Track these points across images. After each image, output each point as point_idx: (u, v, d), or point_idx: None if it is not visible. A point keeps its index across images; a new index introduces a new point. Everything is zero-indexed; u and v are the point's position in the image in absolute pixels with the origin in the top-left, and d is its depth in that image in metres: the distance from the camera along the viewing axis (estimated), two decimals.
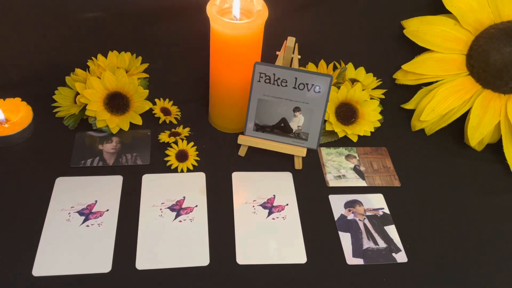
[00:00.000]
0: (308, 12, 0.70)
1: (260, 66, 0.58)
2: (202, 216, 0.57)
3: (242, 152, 0.64)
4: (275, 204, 0.59)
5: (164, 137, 0.64)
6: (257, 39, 0.60)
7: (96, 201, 0.57)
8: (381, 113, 0.69)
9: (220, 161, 0.63)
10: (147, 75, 0.69)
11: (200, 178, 0.61)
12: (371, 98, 0.69)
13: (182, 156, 0.62)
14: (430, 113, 0.67)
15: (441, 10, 0.67)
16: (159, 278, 0.50)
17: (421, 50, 0.69)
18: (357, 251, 0.54)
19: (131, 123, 0.66)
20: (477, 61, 0.65)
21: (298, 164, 0.63)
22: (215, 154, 0.64)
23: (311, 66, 0.73)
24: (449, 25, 0.67)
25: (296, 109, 0.60)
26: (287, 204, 0.59)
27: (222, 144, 0.66)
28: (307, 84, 0.58)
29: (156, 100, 0.69)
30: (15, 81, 0.69)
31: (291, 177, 0.62)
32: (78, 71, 0.66)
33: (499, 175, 0.66)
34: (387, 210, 0.59)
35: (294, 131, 0.61)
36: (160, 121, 0.67)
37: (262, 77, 0.58)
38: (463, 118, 0.67)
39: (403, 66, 0.70)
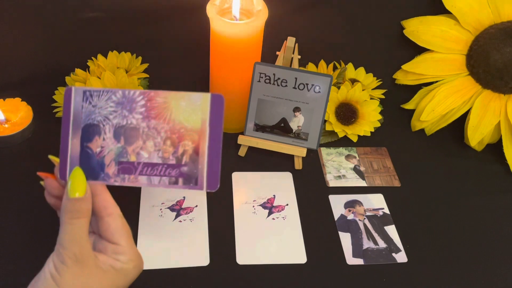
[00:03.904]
0: (308, 12, 0.70)
1: (260, 66, 0.58)
2: (202, 216, 0.57)
3: (242, 152, 0.64)
4: (275, 204, 0.59)
5: None
6: (257, 39, 0.60)
7: None
8: (381, 113, 0.69)
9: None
10: (147, 75, 0.69)
11: None
12: (371, 98, 0.69)
13: None
14: (430, 113, 0.67)
15: (441, 10, 0.67)
16: (158, 278, 0.50)
17: (421, 50, 0.69)
18: (357, 251, 0.54)
19: None
20: (477, 61, 0.65)
21: (298, 164, 0.63)
22: None
23: (311, 66, 0.73)
24: (449, 25, 0.67)
25: (296, 109, 0.60)
26: (287, 204, 0.59)
27: (222, 144, 0.66)
28: (307, 84, 0.58)
29: None
30: (15, 81, 0.69)
31: (291, 177, 0.62)
32: (78, 71, 0.66)
33: (499, 175, 0.66)
34: (387, 210, 0.59)
35: (294, 131, 0.61)
36: None
37: (262, 77, 0.58)
38: (463, 118, 0.67)
39: (403, 66, 0.70)
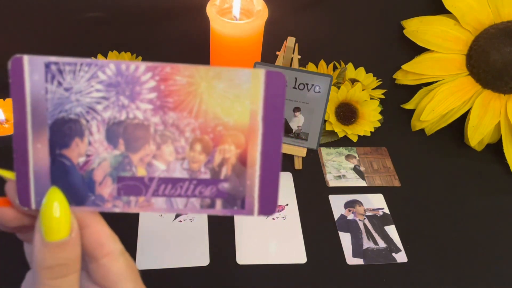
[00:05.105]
0: (308, 12, 0.70)
1: (260, 66, 0.58)
2: (202, 216, 0.57)
3: None
4: None
5: None
6: (257, 39, 0.60)
7: None
8: (381, 113, 0.69)
9: None
10: None
11: None
12: (371, 98, 0.69)
13: None
14: (430, 113, 0.67)
15: (441, 10, 0.67)
16: (159, 278, 0.50)
17: (421, 50, 0.69)
18: (357, 251, 0.54)
19: None
20: (477, 61, 0.65)
21: (298, 164, 0.63)
22: None
23: (311, 66, 0.73)
24: (449, 25, 0.67)
25: (296, 109, 0.60)
26: (287, 204, 0.59)
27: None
28: (307, 84, 0.58)
29: None
30: None
31: (291, 177, 0.62)
32: None
33: (499, 175, 0.66)
34: (387, 210, 0.59)
35: (294, 131, 0.61)
36: None
37: None
38: (463, 118, 0.67)
39: (403, 66, 0.70)
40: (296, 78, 0.58)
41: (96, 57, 0.68)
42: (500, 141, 0.66)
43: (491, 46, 0.64)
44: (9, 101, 0.66)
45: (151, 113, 0.26)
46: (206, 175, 0.27)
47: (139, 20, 0.68)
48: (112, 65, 0.25)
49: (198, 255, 0.53)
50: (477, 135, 0.65)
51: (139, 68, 0.25)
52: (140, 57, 0.70)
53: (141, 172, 0.27)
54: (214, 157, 0.27)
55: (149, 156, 0.26)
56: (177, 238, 0.54)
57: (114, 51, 0.69)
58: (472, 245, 0.56)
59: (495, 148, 0.68)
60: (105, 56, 0.68)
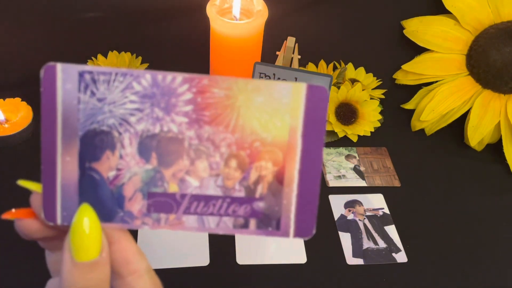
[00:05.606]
0: (308, 12, 0.70)
1: (260, 66, 0.58)
2: None
3: None
4: None
5: None
6: (257, 39, 0.60)
7: None
8: (381, 113, 0.69)
9: None
10: None
11: None
12: (371, 98, 0.69)
13: None
14: (430, 113, 0.67)
15: (441, 10, 0.67)
16: (158, 278, 0.50)
17: (421, 50, 0.69)
18: (357, 251, 0.54)
19: None
20: (477, 61, 0.65)
21: None
22: None
23: (311, 66, 0.73)
24: (449, 25, 0.67)
25: None
26: None
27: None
28: None
29: None
30: (15, 81, 0.69)
31: None
32: None
33: (499, 175, 0.66)
34: (387, 210, 0.59)
35: None
36: None
37: (262, 77, 0.58)
38: (463, 118, 0.67)
39: (403, 66, 0.70)
40: (296, 78, 0.58)
41: (96, 57, 0.68)
42: (500, 141, 0.66)
43: (491, 46, 0.64)
44: (9, 101, 0.66)
45: (186, 126, 0.25)
46: (241, 193, 0.26)
47: (139, 20, 0.68)
48: (148, 76, 0.24)
49: (198, 255, 0.53)
50: (477, 135, 0.65)
51: (176, 79, 0.24)
52: (140, 57, 0.70)
53: (173, 188, 0.25)
54: (250, 174, 0.26)
55: (182, 171, 0.25)
56: (177, 238, 0.54)
57: (114, 51, 0.69)
58: (472, 245, 0.56)
59: (495, 148, 0.68)
60: (105, 56, 0.68)
